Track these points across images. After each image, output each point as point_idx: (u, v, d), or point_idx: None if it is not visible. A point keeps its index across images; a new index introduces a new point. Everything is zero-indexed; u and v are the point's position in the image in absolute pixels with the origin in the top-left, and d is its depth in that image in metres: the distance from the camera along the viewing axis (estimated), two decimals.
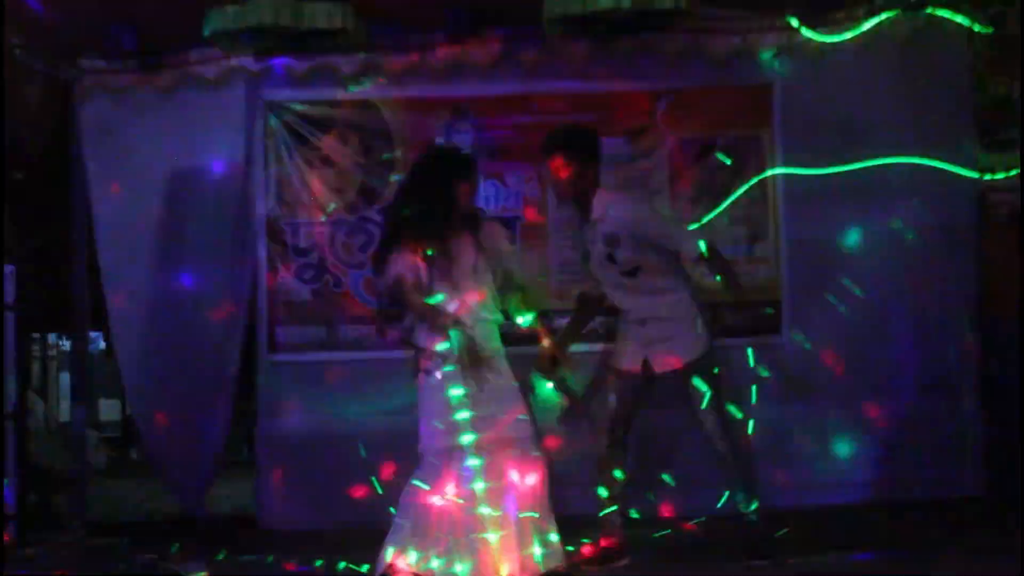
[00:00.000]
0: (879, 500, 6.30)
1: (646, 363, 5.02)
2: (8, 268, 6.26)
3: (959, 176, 6.54)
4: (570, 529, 4.88)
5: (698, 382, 4.95)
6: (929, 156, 6.50)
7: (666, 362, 4.99)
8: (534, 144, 6.59)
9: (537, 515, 4.63)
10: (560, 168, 5.03)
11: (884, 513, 6.08)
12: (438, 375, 4.70)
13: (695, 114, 6.58)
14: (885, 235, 6.49)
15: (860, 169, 6.49)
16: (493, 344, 4.78)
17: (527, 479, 4.64)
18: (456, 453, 4.65)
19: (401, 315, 4.82)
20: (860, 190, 6.51)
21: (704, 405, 4.95)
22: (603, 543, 5.03)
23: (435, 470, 4.68)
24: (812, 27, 6.47)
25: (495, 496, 4.60)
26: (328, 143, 6.70)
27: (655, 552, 5.22)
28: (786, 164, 6.57)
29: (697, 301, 5.07)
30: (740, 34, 6.52)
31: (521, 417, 4.74)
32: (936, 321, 6.50)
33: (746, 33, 6.52)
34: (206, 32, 6.10)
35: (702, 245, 4.88)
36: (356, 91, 6.64)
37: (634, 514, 5.42)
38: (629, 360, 5.08)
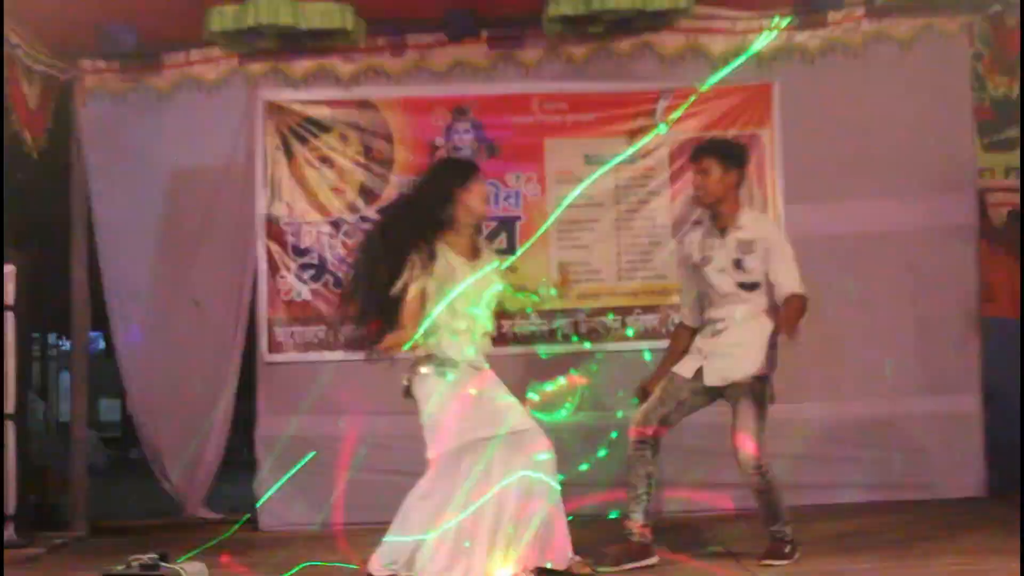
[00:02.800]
0: (879, 500, 6.30)
1: (699, 372, 5.02)
2: (8, 268, 6.26)
3: (959, 176, 6.55)
4: (595, 528, 4.85)
5: (744, 407, 4.89)
6: (929, 156, 6.52)
7: (715, 377, 4.96)
8: (534, 144, 6.65)
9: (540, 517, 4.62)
10: (705, 172, 5.04)
11: (884, 513, 6.08)
12: (451, 375, 4.68)
13: (695, 114, 6.58)
14: (885, 235, 6.49)
15: (859, 169, 6.51)
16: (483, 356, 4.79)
17: (528, 480, 4.63)
18: (468, 454, 4.62)
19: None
20: (860, 190, 6.52)
21: (738, 432, 4.89)
22: (630, 542, 5.00)
23: (448, 473, 4.63)
24: (812, 27, 6.49)
25: (504, 497, 4.58)
26: (328, 143, 6.71)
27: (662, 552, 5.20)
28: (786, 164, 6.58)
29: (774, 339, 4.99)
30: (740, 34, 6.53)
31: (525, 418, 4.74)
32: (936, 321, 6.50)
33: (746, 33, 6.53)
34: (206, 32, 6.10)
35: (795, 290, 4.89)
36: (356, 91, 6.64)
37: (614, 514, 5.41)
38: (684, 366, 5.07)
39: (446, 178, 4.79)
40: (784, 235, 5.11)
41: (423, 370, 4.71)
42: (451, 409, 4.66)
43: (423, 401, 4.70)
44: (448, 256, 4.68)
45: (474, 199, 4.75)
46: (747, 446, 4.86)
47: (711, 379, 4.97)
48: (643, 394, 5.11)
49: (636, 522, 4.98)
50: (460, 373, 4.68)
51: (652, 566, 4.92)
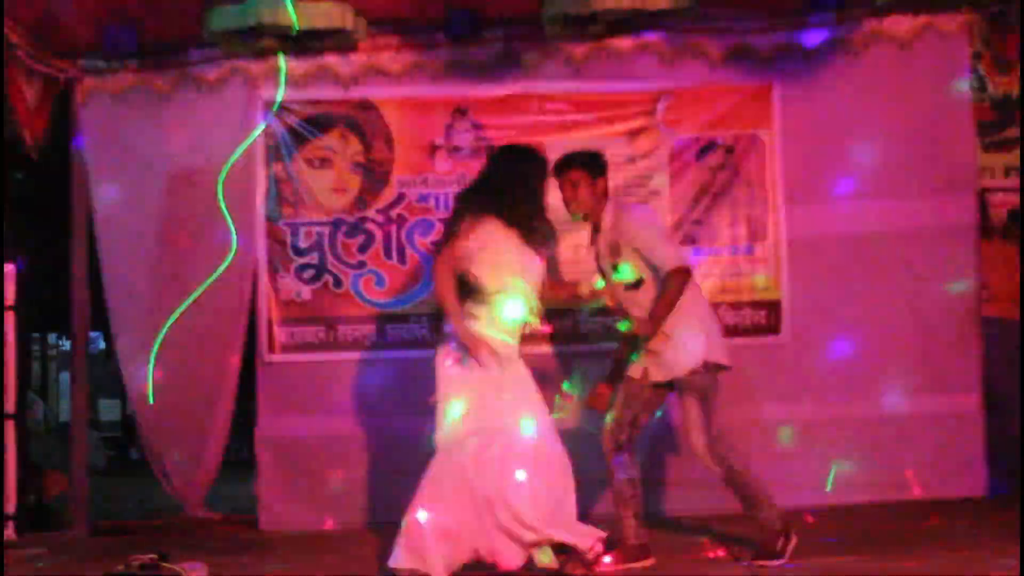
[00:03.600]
0: (879, 500, 6.30)
1: (646, 372, 5.02)
2: (8, 268, 6.27)
3: (959, 176, 6.55)
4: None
5: (688, 401, 4.91)
6: (929, 156, 6.52)
7: (659, 373, 4.96)
8: (534, 144, 6.63)
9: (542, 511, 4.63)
10: (571, 184, 5.01)
11: (884, 513, 6.08)
12: (466, 359, 4.67)
13: (695, 114, 6.58)
14: (885, 235, 6.49)
15: (859, 169, 6.51)
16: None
17: (532, 472, 4.65)
18: (481, 437, 4.64)
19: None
20: (860, 190, 6.52)
21: (686, 426, 4.93)
22: (627, 544, 4.99)
23: (459, 458, 4.64)
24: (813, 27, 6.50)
25: (506, 482, 4.61)
26: (328, 143, 6.71)
27: (662, 552, 5.20)
28: (786, 164, 6.58)
29: (698, 320, 4.95)
30: (739, 34, 6.53)
31: (534, 410, 4.75)
32: (936, 321, 6.50)
33: (745, 33, 6.53)
34: (206, 32, 6.10)
35: (672, 265, 4.84)
36: (356, 91, 6.65)
37: None
38: (634, 367, 5.08)
39: (535, 171, 4.87)
40: (641, 220, 5.02)
41: (441, 348, 4.72)
42: (460, 393, 4.67)
43: (437, 380, 4.72)
44: (492, 225, 4.70)
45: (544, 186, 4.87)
46: (696, 440, 4.89)
47: (656, 375, 4.97)
48: (603, 402, 5.11)
49: (629, 525, 4.98)
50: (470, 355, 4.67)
51: (651, 567, 4.92)
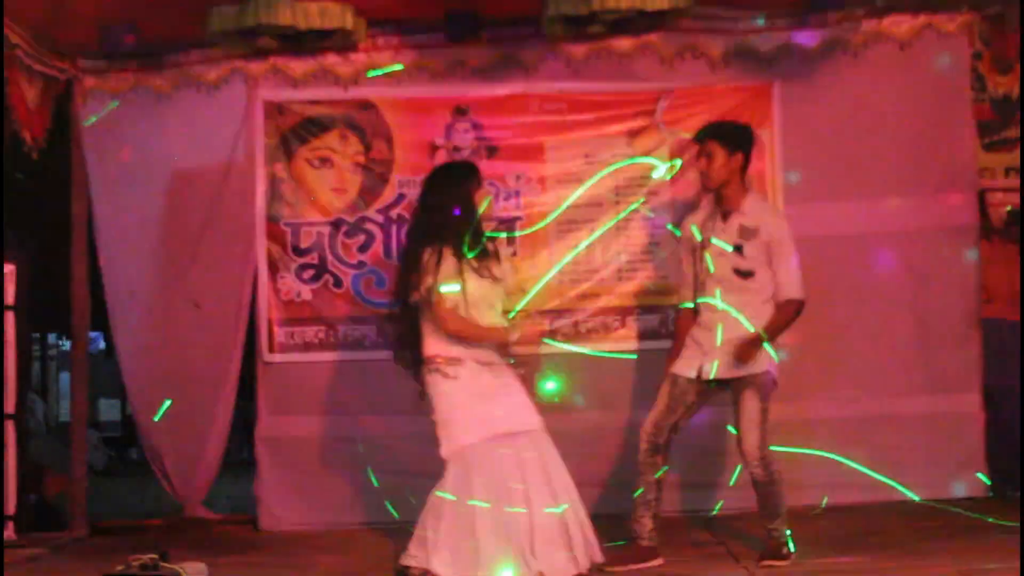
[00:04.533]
0: (879, 500, 6.30)
1: (701, 370, 5.01)
2: (8, 268, 6.27)
3: (959, 176, 6.55)
4: (601, 529, 4.85)
5: (750, 400, 4.91)
6: (929, 156, 6.51)
7: (728, 370, 4.95)
8: (534, 144, 6.66)
9: (562, 510, 4.65)
10: (710, 155, 5.03)
11: (884, 513, 6.08)
12: (462, 371, 4.72)
13: (695, 114, 6.58)
14: (885, 235, 6.49)
15: (859, 169, 6.51)
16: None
17: (546, 473, 4.68)
18: (486, 449, 4.65)
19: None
20: (860, 190, 6.52)
21: (743, 424, 4.92)
22: (638, 544, 4.99)
23: (468, 472, 4.64)
24: (812, 27, 6.50)
25: (524, 492, 4.63)
26: (328, 143, 6.71)
27: (663, 552, 5.20)
28: (786, 164, 6.58)
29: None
30: (739, 34, 6.53)
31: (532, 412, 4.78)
32: (936, 321, 6.50)
33: (745, 33, 6.53)
34: (206, 32, 6.10)
35: (795, 295, 4.95)
36: (356, 91, 6.65)
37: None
38: (685, 365, 5.07)
39: (453, 181, 4.89)
40: (788, 230, 5.09)
41: (432, 371, 4.75)
42: (462, 406, 4.69)
43: (434, 400, 4.75)
44: (450, 258, 4.73)
45: (480, 199, 4.87)
46: (751, 438, 4.89)
47: (720, 372, 4.96)
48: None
49: (645, 526, 4.99)
50: (468, 370, 4.71)
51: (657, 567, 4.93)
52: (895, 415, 6.42)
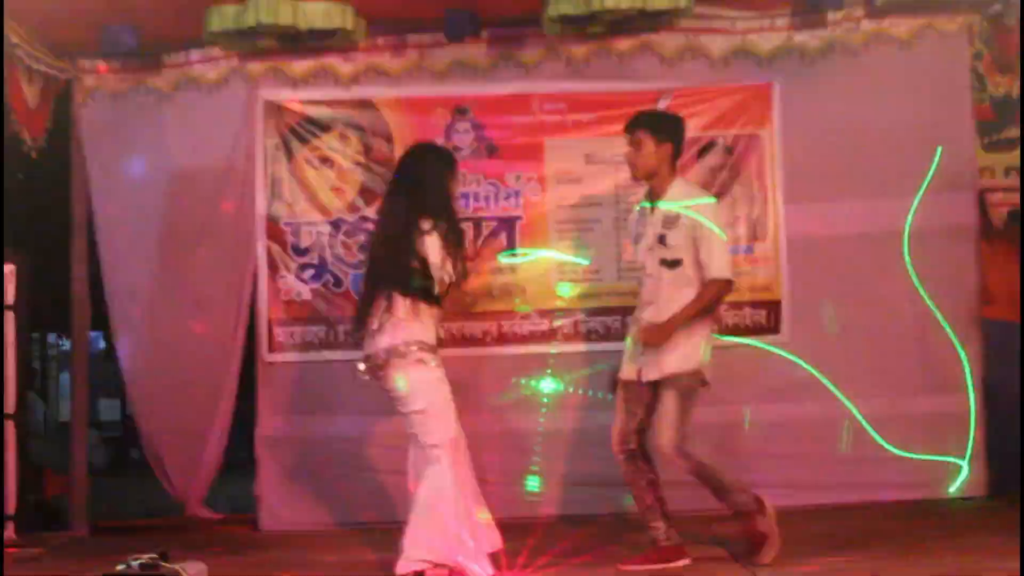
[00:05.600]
0: (879, 500, 6.30)
1: (640, 372, 4.99)
2: (8, 268, 6.26)
3: (959, 176, 6.55)
4: (607, 526, 4.88)
5: (668, 400, 4.86)
6: (929, 156, 6.51)
7: (653, 371, 4.93)
8: (534, 144, 6.65)
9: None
10: (638, 145, 5.00)
11: (884, 513, 6.08)
12: (434, 364, 4.81)
13: (695, 114, 6.58)
14: (885, 235, 6.49)
15: (860, 169, 6.51)
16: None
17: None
18: (458, 439, 4.84)
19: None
20: (860, 190, 6.52)
21: (658, 422, 4.88)
22: (661, 546, 4.98)
23: (458, 457, 4.81)
24: (812, 27, 6.50)
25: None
26: (328, 143, 6.71)
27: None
28: (786, 164, 6.58)
29: (702, 325, 4.94)
30: (740, 34, 6.53)
31: None
32: (936, 321, 6.50)
33: (746, 33, 6.53)
34: (206, 32, 6.10)
35: (719, 275, 4.87)
36: (356, 91, 6.65)
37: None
38: (626, 369, 5.05)
39: (434, 163, 5.01)
40: (715, 211, 5.00)
41: (408, 358, 4.79)
42: (443, 395, 4.82)
43: (415, 390, 4.79)
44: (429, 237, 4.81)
45: (455, 183, 5.03)
46: (663, 436, 4.84)
47: (649, 374, 4.93)
48: (613, 385, 5.11)
49: (659, 529, 4.98)
50: (437, 358, 4.85)
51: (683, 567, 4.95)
52: (895, 415, 6.41)
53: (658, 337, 4.86)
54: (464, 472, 4.84)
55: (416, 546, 4.70)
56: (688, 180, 5.30)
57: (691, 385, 4.90)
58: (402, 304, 4.79)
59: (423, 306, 4.80)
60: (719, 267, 4.89)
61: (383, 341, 4.80)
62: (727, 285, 4.95)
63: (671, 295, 4.92)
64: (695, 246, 4.89)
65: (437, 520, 4.68)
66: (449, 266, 4.79)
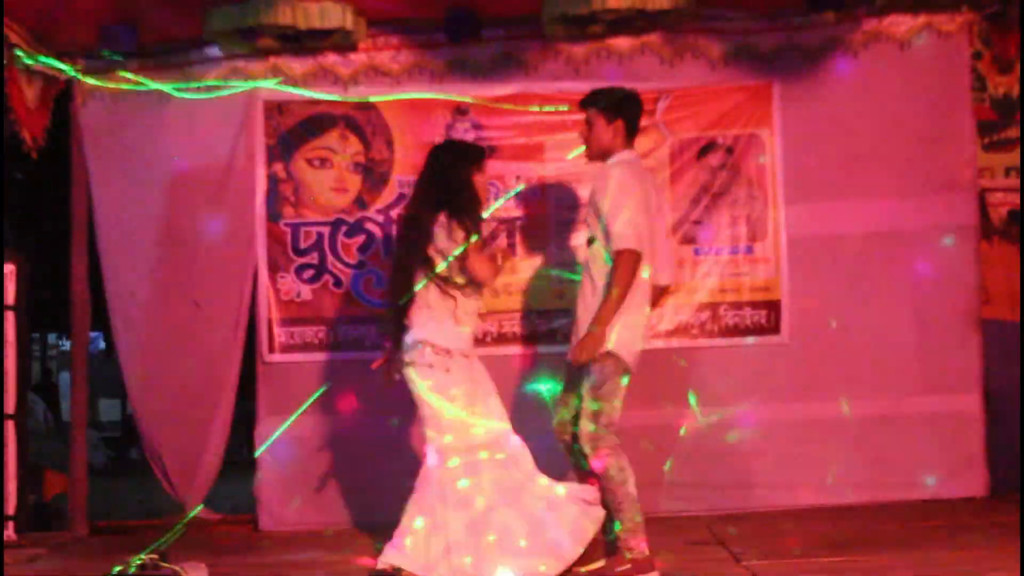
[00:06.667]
0: (879, 500, 6.30)
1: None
2: (8, 268, 6.27)
3: (959, 176, 6.55)
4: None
5: (584, 383, 4.66)
6: (929, 156, 6.51)
7: (571, 351, 4.74)
8: (534, 144, 6.66)
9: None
10: (589, 124, 4.88)
11: (884, 513, 6.08)
12: (454, 365, 4.72)
13: (695, 114, 6.58)
14: (885, 235, 6.49)
15: (860, 169, 6.51)
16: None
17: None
18: (475, 447, 4.71)
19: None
20: (860, 190, 6.52)
21: (581, 413, 4.67)
22: (634, 559, 4.75)
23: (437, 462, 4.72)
24: (812, 27, 6.50)
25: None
26: (328, 143, 6.71)
27: (662, 552, 5.20)
28: (786, 164, 6.58)
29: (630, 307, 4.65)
30: (740, 34, 6.53)
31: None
32: (936, 321, 6.50)
33: (746, 33, 6.53)
34: (206, 32, 6.10)
35: (622, 244, 4.53)
36: (356, 91, 6.65)
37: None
38: (568, 351, 4.88)
39: (462, 159, 4.91)
40: (620, 180, 4.69)
41: (419, 361, 4.73)
42: (456, 401, 4.71)
43: (427, 392, 4.74)
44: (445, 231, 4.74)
45: (480, 175, 4.90)
46: (583, 430, 4.64)
47: (570, 355, 4.75)
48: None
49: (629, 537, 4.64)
50: (456, 363, 4.72)
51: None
52: (895, 415, 6.41)
53: (587, 350, 4.59)
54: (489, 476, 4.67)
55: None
56: (636, 153, 4.98)
57: (605, 372, 4.61)
58: (425, 301, 4.75)
59: (446, 304, 4.74)
60: (625, 237, 4.54)
61: (407, 337, 4.78)
62: (635, 256, 4.55)
63: (598, 276, 4.68)
64: (600, 221, 4.64)
65: (406, 515, 4.70)
66: (469, 261, 4.71)
